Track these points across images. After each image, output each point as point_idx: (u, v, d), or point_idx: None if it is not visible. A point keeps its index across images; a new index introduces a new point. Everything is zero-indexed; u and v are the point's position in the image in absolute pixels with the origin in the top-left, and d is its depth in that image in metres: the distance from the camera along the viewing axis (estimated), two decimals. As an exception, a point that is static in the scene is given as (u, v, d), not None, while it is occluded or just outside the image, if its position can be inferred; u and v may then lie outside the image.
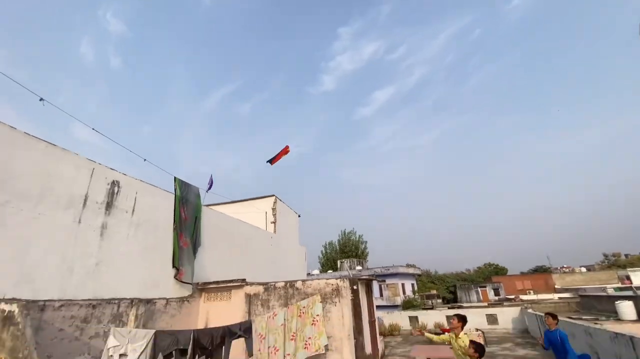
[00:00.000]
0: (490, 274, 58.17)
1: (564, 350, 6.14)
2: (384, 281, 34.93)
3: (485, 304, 27.82)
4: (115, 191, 8.06)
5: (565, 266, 63.30)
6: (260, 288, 9.54)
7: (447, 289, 51.42)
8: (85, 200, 7.26)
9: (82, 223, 7.08)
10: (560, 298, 31.65)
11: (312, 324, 8.05)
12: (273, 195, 17.66)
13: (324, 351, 7.98)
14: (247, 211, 16.33)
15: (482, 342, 11.65)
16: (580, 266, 59.46)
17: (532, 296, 40.36)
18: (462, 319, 5.58)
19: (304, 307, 8.02)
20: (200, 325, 9.72)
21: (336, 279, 8.81)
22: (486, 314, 16.79)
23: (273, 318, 7.49)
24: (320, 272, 41.16)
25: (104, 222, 7.60)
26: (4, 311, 5.26)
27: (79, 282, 6.83)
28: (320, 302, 8.35)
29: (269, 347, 7.17)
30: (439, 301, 43.13)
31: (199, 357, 6.35)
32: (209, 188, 13.85)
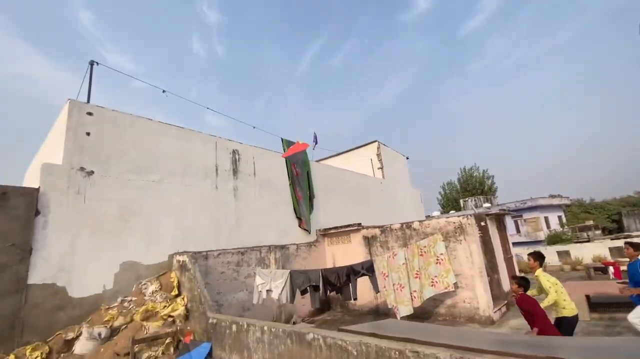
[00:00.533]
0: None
1: None
2: (521, 216, 30.83)
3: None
4: (237, 159, 9.20)
5: None
6: (377, 231, 9.68)
7: (609, 218, 41.68)
8: (217, 169, 8.56)
9: (218, 189, 8.45)
10: None
11: (437, 263, 7.74)
12: (375, 141, 17.15)
13: (453, 289, 7.67)
14: (353, 160, 16.47)
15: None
16: None
17: None
18: (538, 257, 4.96)
19: (424, 246, 7.73)
20: (329, 265, 10.76)
21: (460, 217, 8.06)
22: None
23: (393, 257, 7.54)
24: (442, 213, 39.39)
25: (235, 186, 8.87)
26: (179, 261, 6.91)
27: (227, 235, 8.34)
28: (442, 241, 7.88)
29: (393, 284, 7.35)
30: (598, 232, 35.62)
31: (329, 292, 7.03)
32: (315, 145, 14.45)
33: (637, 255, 4.98)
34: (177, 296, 6.59)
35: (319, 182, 11.92)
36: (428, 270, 7.76)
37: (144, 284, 6.49)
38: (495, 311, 7.43)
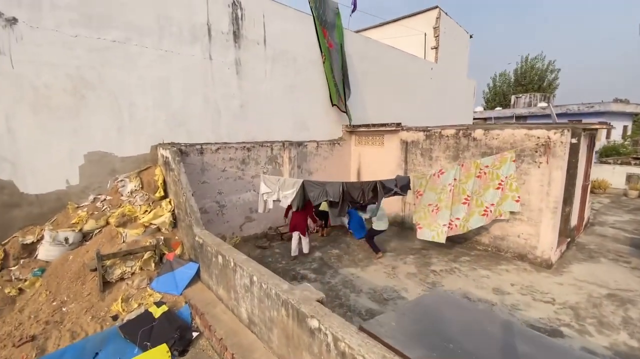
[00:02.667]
0: None
1: None
2: (580, 120, 26.43)
3: None
4: (240, 16, 6.46)
5: None
6: (420, 135, 7.51)
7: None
8: (209, 30, 6.03)
9: (213, 60, 6.14)
10: None
11: (497, 188, 5.86)
12: (436, 7, 12.72)
13: (506, 217, 6.03)
14: (401, 34, 12.65)
15: None
16: None
17: None
18: None
19: (487, 166, 5.69)
20: (353, 169, 9.19)
21: (547, 129, 5.62)
22: None
23: (438, 176, 5.69)
24: (485, 109, 34.74)
25: (237, 58, 6.49)
26: (163, 156, 5.37)
27: (229, 125, 6.54)
28: (513, 161, 5.74)
29: (428, 204, 5.75)
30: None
31: (349, 208, 5.61)
32: (353, 10, 10.71)
33: None
34: (163, 198, 5.38)
35: (354, 62, 9.07)
36: (484, 196, 5.96)
37: (121, 181, 5.21)
38: (555, 252, 5.91)
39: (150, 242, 4.61)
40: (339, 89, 8.25)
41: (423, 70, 12.21)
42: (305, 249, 6.15)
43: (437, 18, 12.68)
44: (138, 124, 5.43)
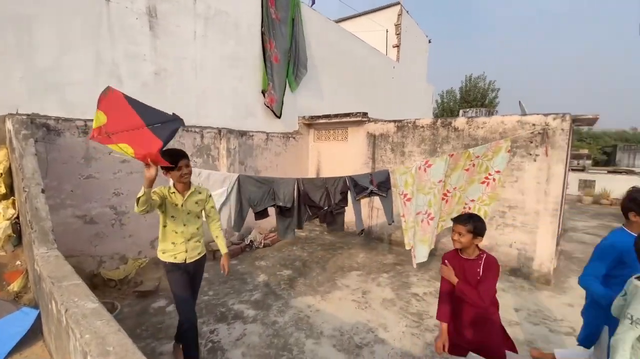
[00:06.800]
0: (673, 136, 42.39)
1: None
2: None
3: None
4: (157, -48, 4.71)
5: None
6: (391, 126, 6.28)
7: (601, 150, 40.67)
8: (106, -42, 4.20)
9: (112, 1, 4.29)
10: None
11: (483, 182, 4.69)
12: (398, 3, 12.05)
13: (487, 219, 4.89)
14: (364, 29, 11.71)
15: None
16: None
17: None
18: None
19: (478, 157, 4.53)
20: (311, 170, 7.69)
21: (544, 115, 4.67)
22: None
23: (425, 169, 4.40)
24: (437, 122, 36.01)
25: (151, 6, 4.69)
26: (10, 132, 3.36)
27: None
28: (508, 151, 4.67)
29: (418, 213, 4.41)
30: (589, 162, 34.75)
31: (309, 218, 4.03)
32: (313, 2, 9.51)
33: None
34: (4, 197, 3.32)
35: (312, 45, 7.70)
36: (467, 190, 4.76)
37: None
38: (553, 264, 4.91)
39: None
40: (275, 72, 6.59)
41: (386, 67, 11.31)
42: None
43: (399, 15, 12.00)
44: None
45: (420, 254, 4.38)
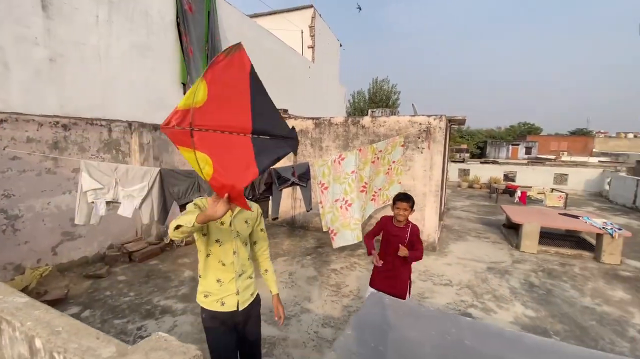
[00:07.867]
0: (523, 133, 55.34)
1: None
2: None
3: (557, 161, 25.22)
4: None
5: (603, 131, 58.31)
6: (309, 123, 6.84)
7: (476, 145, 50.40)
8: None
9: (-13, -29, 3.67)
10: (601, 162, 28.70)
11: (387, 173, 5.65)
12: (311, 6, 12.74)
13: (390, 203, 5.94)
14: (279, 27, 12.01)
15: (563, 204, 9.63)
16: (628, 132, 54.32)
17: (566, 158, 38.12)
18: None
19: (381, 151, 5.41)
20: (232, 164, 7.72)
21: (427, 116, 5.82)
22: (555, 174, 14.65)
23: (339, 162, 5.04)
24: (349, 120, 38.86)
25: (41, -16, 4.15)
26: None
27: (27, 87, 4.07)
28: (402, 145, 5.68)
29: (336, 200, 5.03)
30: (467, 155, 42.56)
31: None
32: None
33: None
34: None
35: (227, 38, 7.69)
36: (374, 181, 5.67)
37: None
38: (438, 235, 6.19)
39: None
40: (192, 65, 6.54)
41: (302, 66, 11.90)
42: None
43: (312, 17, 12.70)
44: None
45: (346, 238, 5.02)
